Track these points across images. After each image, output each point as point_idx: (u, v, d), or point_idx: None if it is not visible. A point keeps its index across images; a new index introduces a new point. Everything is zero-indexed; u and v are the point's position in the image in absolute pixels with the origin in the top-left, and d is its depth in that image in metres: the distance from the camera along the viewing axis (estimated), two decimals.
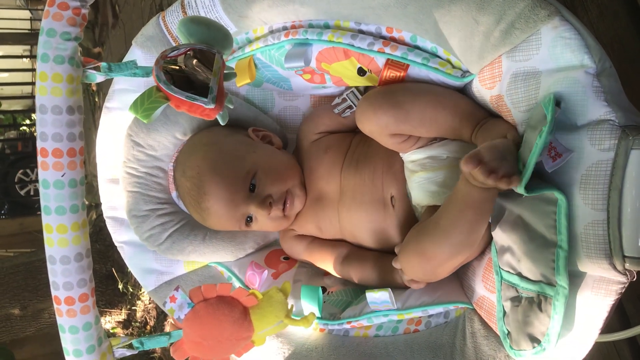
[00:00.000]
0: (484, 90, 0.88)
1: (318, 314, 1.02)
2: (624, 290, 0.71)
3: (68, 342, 0.76)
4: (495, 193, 0.82)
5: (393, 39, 0.95)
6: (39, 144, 0.74)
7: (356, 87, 1.10)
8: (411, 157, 1.00)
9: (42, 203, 0.74)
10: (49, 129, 0.73)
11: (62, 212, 0.74)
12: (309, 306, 1.00)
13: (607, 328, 0.74)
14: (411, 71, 0.94)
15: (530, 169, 0.71)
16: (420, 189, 0.99)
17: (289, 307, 0.86)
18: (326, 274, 1.19)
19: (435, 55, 0.92)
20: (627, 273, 0.69)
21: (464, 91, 0.96)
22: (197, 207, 1.11)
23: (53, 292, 0.75)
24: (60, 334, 0.76)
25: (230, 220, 1.10)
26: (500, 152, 0.76)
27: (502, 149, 0.77)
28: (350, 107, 1.12)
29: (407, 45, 0.94)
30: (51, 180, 0.74)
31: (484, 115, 0.92)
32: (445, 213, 0.86)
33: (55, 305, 0.76)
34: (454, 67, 0.91)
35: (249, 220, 1.11)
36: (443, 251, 0.87)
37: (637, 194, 0.66)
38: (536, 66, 0.76)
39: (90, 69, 0.78)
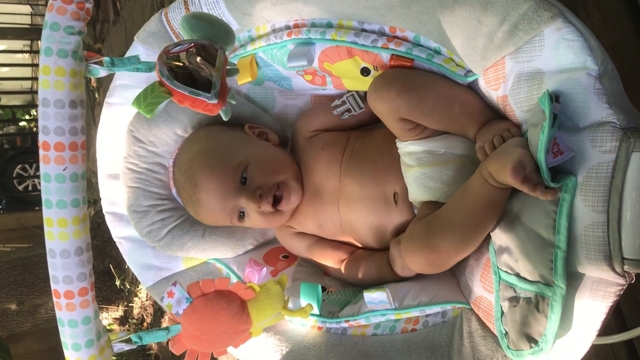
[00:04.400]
0: (491, 91, 0.89)
1: (317, 312, 1.02)
2: (622, 292, 0.71)
3: (67, 335, 0.76)
4: (511, 189, 0.83)
5: (397, 37, 0.95)
6: (41, 138, 0.74)
7: (357, 92, 1.11)
8: (408, 148, 1.00)
9: (43, 196, 0.74)
10: (51, 123, 0.74)
11: (63, 205, 0.74)
12: (308, 303, 1.01)
13: (604, 330, 0.74)
14: (416, 64, 0.95)
15: (544, 166, 0.72)
16: (417, 184, 0.99)
17: (286, 299, 0.86)
18: (325, 274, 1.19)
19: (439, 53, 0.93)
20: (626, 275, 0.69)
21: (473, 90, 0.96)
22: (190, 200, 1.11)
23: (53, 286, 0.75)
24: (59, 327, 0.76)
25: (221, 214, 1.10)
26: (534, 161, 0.76)
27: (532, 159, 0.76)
28: (349, 110, 1.12)
29: (411, 43, 0.94)
30: (53, 174, 0.74)
31: (492, 116, 0.93)
32: (459, 209, 0.88)
33: (54, 299, 0.76)
34: (457, 65, 0.92)
35: (241, 215, 1.11)
36: (455, 246, 0.88)
37: (638, 196, 0.66)
38: (539, 67, 0.77)
39: (93, 63, 0.78)
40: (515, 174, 0.73)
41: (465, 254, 0.92)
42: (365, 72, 1.01)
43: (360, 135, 1.13)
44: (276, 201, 1.09)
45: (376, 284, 1.06)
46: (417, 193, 1.00)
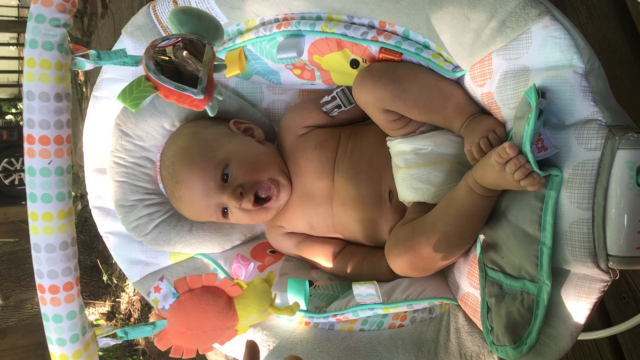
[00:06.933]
0: (476, 87, 0.88)
1: (304, 307, 1.02)
2: (606, 288, 0.71)
3: (51, 330, 0.75)
4: (496, 197, 0.84)
5: (386, 31, 0.95)
6: (26, 131, 0.73)
7: (347, 87, 1.10)
8: (398, 147, 1.01)
9: (28, 190, 0.73)
10: (36, 116, 0.73)
11: (48, 200, 0.73)
12: (295, 299, 1.01)
13: (588, 326, 0.75)
14: (405, 58, 0.95)
15: (530, 156, 0.72)
16: (405, 184, 1.00)
17: (273, 296, 0.86)
18: (313, 267, 1.19)
19: (428, 47, 0.93)
20: (610, 272, 0.70)
21: (459, 85, 0.95)
22: (173, 196, 1.12)
23: (37, 280, 0.74)
24: (44, 322, 0.76)
25: (204, 210, 1.10)
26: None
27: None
28: (339, 106, 1.11)
29: (401, 37, 0.94)
30: (37, 168, 0.73)
31: (476, 110, 0.93)
32: (444, 217, 0.89)
33: (39, 294, 0.75)
34: (445, 60, 0.92)
35: (225, 211, 1.11)
36: (439, 253, 0.89)
37: (622, 193, 0.67)
38: (526, 65, 0.77)
39: (79, 56, 0.77)
40: (513, 146, 0.73)
41: (450, 260, 0.93)
42: (354, 64, 1.01)
43: (352, 132, 1.13)
44: (263, 199, 1.09)
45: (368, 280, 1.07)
46: (405, 194, 1.01)
